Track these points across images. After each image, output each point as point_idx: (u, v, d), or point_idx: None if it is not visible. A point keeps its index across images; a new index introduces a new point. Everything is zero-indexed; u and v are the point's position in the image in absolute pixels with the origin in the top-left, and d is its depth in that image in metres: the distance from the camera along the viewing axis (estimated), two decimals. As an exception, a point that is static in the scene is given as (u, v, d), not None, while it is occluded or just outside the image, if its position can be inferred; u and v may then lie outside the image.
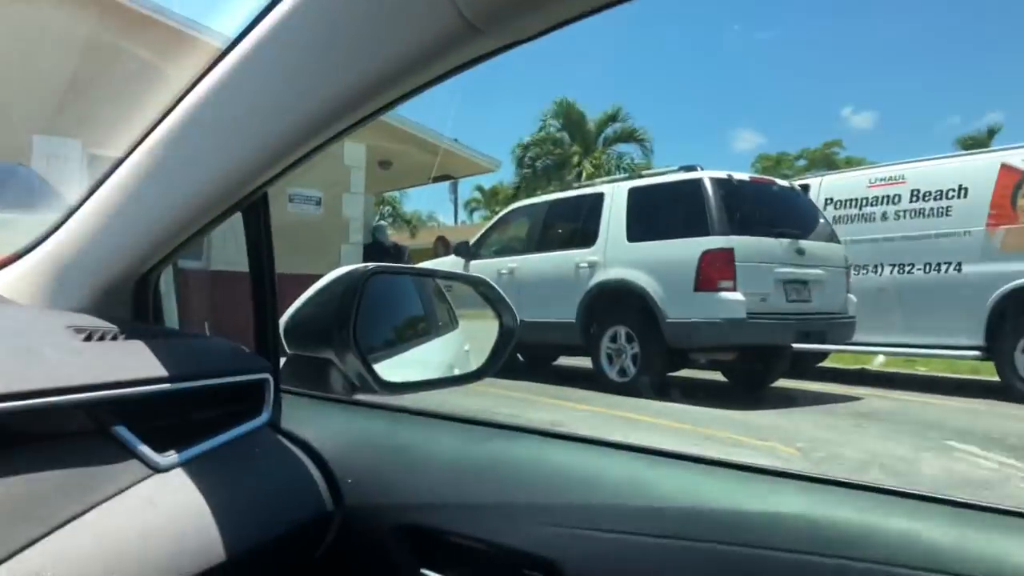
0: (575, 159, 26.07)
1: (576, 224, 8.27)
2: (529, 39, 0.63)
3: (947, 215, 8.25)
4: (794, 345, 7.44)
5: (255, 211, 0.92)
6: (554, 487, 0.81)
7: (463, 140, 13.31)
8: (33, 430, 0.66)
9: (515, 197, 24.03)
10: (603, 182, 8.91)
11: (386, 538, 0.86)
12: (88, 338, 0.77)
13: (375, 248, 11.08)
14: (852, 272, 8.05)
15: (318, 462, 0.90)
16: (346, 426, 0.96)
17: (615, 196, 7.93)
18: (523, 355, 8.85)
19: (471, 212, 38.01)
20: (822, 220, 8.11)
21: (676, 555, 0.72)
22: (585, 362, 8.04)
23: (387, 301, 1.29)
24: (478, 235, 9.46)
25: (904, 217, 8.65)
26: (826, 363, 10.12)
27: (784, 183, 8.54)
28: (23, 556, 0.58)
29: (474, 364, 1.31)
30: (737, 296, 6.76)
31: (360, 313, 1.04)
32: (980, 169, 8.15)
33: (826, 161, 31.10)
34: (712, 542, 0.71)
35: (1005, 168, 7.91)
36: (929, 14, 66.10)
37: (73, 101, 7.62)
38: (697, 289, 6.88)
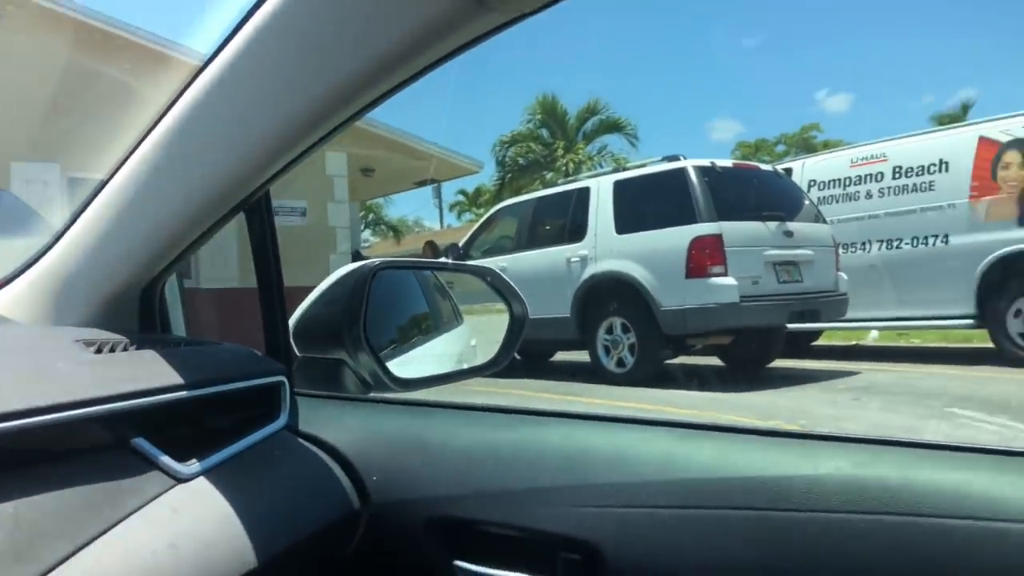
0: (559, 154, 26.01)
1: (564, 219, 8.28)
2: (534, 12, 0.63)
3: (931, 189, 8.31)
4: (788, 325, 7.50)
5: (258, 211, 0.91)
6: (584, 468, 0.81)
7: (444, 143, 13.27)
8: (52, 446, 0.65)
9: (499, 197, 23.99)
10: (588, 176, 8.94)
11: (416, 532, 0.85)
12: (99, 351, 0.76)
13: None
14: (841, 250, 8.09)
15: (341, 462, 0.89)
16: (365, 424, 0.95)
17: (601, 189, 7.95)
18: (520, 353, 8.83)
19: (458, 215, 38.02)
20: (807, 202, 8.17)
21: (713, 524, 0.72)
22: (583, 356, 8.05)
23: (392, 298, 1.28)
24: (467, 236, 9.46)
25: (888, 194, 8.70)
26: (821, 341, 10.17)
27: (767, 167, 8.61)
28: (57, 573, 0.57)
29: (482, 358, 1.31)
30: (729, 280, 6.80)
31: (369, 311, 1.03)
32: (960, 143, 8.22)
33: (805, 145, 31.25)
34: (747, 508, 0.71)
35: (984, 140, 7.98)
36: (897, -8, 66.60)
37: (51, 125, 7.56)
38: (689, 276, 6.92)
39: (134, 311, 0.91)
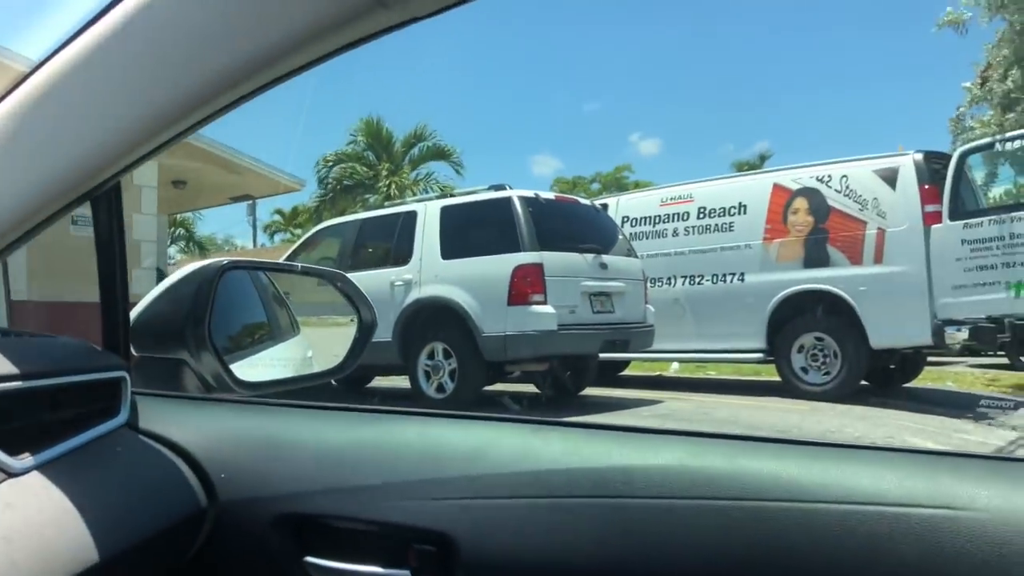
0: (383, 177, 25.84)
1: (390, 242, 8.25)
2: (428, 15, 0.63)
3: (730, 230, 9.06)
4: (600, 354, 7.85)
5: (106, 200, 0.86)
6: (439, 463, 0.82)
7: (261, 157, 12.79)
8: None
9: (319, 217, 23.45)
10: (415, 201, 8.96)
11: (266, 530, 0.83)
12: None
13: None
14: (649, 284, 8.61)
15: (186, 459, 0.86)
16: (211, 423, 0.92)
17: (428, 214, 8.00)
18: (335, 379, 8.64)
19: (271, 235, 36.72)
20: (621, 236, 8.62)
21: (563, 512, 0.76)
22: (401, 381, 8.00)
23: (233, 302, 1.24)
24: (286, 255, 9.17)
25: (693, 233, 9.39)
26: (628, 371, 10.73)
27: (586, 202, 9.01)
28: None
29: (321, 367, 1.28)
30: (548, 309, 7.02)
31: (214, 311, 0.99)
32: (756, 188, 9.05)
33: (618, 184, 32.88)
34: (595, 496, 0.76)
35: (777, 187, 8.84)
36: (701, 49, 72.31)
37: None
38: (511, 303, 7.08)
39: None
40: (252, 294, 1.33)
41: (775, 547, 0.69)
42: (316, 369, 1.28)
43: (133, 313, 0.98)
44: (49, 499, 0.68)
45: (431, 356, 7.63)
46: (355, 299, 1.25)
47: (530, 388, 8.60)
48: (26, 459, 0.69)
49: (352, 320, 1.31)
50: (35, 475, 0.69)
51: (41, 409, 0.75)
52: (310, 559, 0.82)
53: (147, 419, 0.87)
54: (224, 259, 1.05)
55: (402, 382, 7.98)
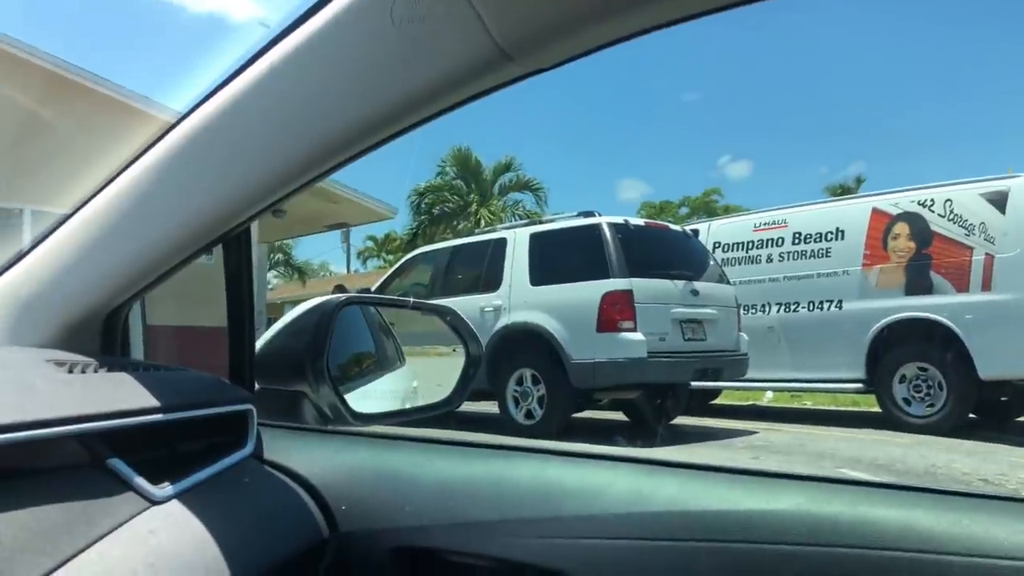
0: (474, 206, 26.25)
1: (479, 269, 8.34)
2: (553, 67, 0.66)
3: (827, 256, 8.79)
4: (692, 383, 7.71)
5: (237, 242, 0.92)
6: (553, 502, 0.82)
7: (356, 186, 13.18)
8: (30, 463, 0.64)
9: (412, 244, 23.92)
10: (504, 228, 9.05)
11: (384, 561, 0.85)
12: (70, 371, 0.76)
13: None
14: (742, 311, 8.43)
15: (309, 490, 0.89)
16: (331, 455, 0.95)
17: (517, 241, 8.06)
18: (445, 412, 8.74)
19: (364, 261, 37.68)
20: (712, 262, 8.49)
21: (678, 555, 0.75)
22: (491, 407, 8.05)
23: (346, 334, 1.28)
24: (380, 281, 9.39)
25: (787, 259, 9.15)
26: (719, 400, 10.49)
27: (677, 227, 8.91)
28: None
29: (427, 399, 1.31)
30: (638, 336, 6.96)
31: (331, 345, 1.04)
32: (854, 213, 8.77)
33: (706, 208, 32.47)
34: (711, 541, 0.75)
35: (876, 212, 8.54)
36: (795, 70, 70.79)
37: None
38: (599, 330, 7.05)
39: (96, 335, 0.90)
40: (362, 325, 1.38)
41: None
42: (421, 400, 1.31)
43: (258, 345, 1.03)
44: (188, 527, 0.72)
45: (520, 382, 7.66)
46: (463, 334, 1.28)
47: (619, 416, 8.53)
48: (166, 488, 0.73)
49: (455, 350, 1.33)
50: (174, 503, 0.73)
51: (176, 439, 0.80)
52: None
53: (270, 450, 0.91)
54: (342, 296, 1.10)
55: (491, 407, 8.01)
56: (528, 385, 7.60)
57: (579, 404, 7.61)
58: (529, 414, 7.55)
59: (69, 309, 0.87)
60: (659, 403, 7.97)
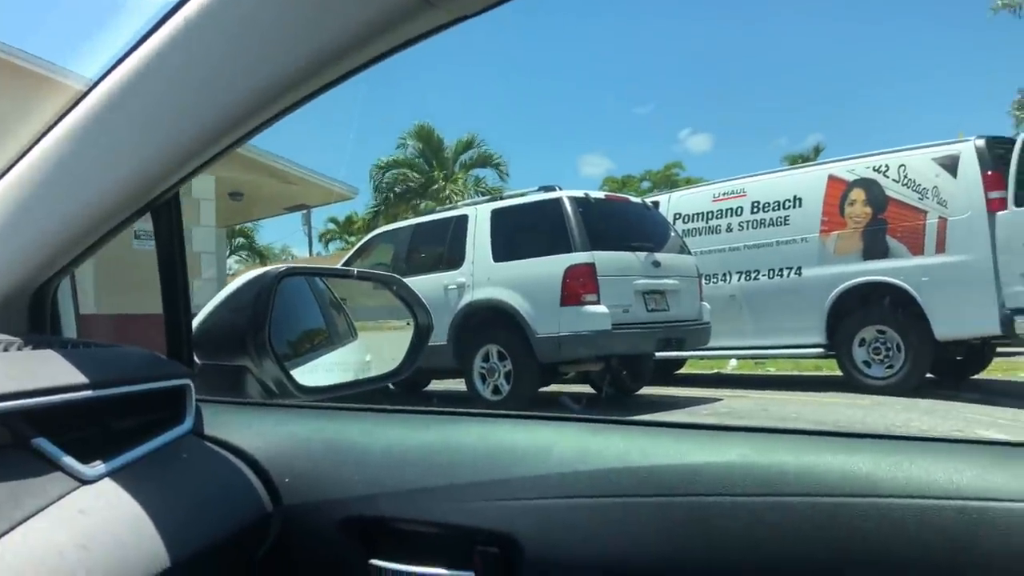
0: (439, 183, 26.09)
1: (442, 247, 8.31)
2: (476, 13, 0.64)
3: (786, 224, 8.90)
4: (656, 353, 7.79)
5: (166, 210, 0.89)
6: (500, 464, 0.82)
7: (315, 167, 13.02)
8: None
9: (374, 224, 23.75)
10: (465, 204, 9.02)
11: (331, 533, 0.84)
12: None
13: None
14: (704, 281, 8.51)
15: (251, 464, 0.87)
16: (273, 428, 0.93)
17: (479, 218, 8.04)
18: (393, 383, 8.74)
19: (326, 243, 37.30)
20: (673, 233, 8.55)
21: (627, 511, 0.75)
22: (458, 384, 8.06)
23: (291, 308, 1.26)
24: (342, 262, 9.32)
25: (747, 228, 9.25)
26: (684, 369, 10.62)
27: (637, 200, 8.96)
28: None
29: (364, 374, 1.30)
30: (601, 308, 6.99)
31: (273, 317, 1.02)
32: (811, 181, 8.87)
33: (668, 182, 32.55)
34: (659, 496, 0.75)
35: (832, 179, 8.66)
36: (749, 42, 71.21)
37: None
38: (563, 304, 7.07)
39: (23, 314, 0.87)
40: (310, 300, 1.36)
41: (849, 543, 0.67)
42: (370, 373, 1.30)
43: (195, 322, 1.01)
44: (121, 505, 0.70)
45: (486, 359, 7.67)
46: (411, 303, 1.26)
47: (586, 388, 8.58)
48: (98, 466, 0.71)
49: (408, 323, 1.32)
50: (107, 482, 0.71)
51: (109, 417, 0.77)
52: (376, 562, 0.83)
53: (211, 425, 0.89)
54: (282, 266, 1.08)
55: (458, 385, 8.03)
56: (494, 361, 7.62)
57: (545, 378, 7.65)
58: (496, 390, 7.57)
59: None
60: (624, 374, 8.04)
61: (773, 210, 9.03)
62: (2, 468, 0.64)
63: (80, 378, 0.73)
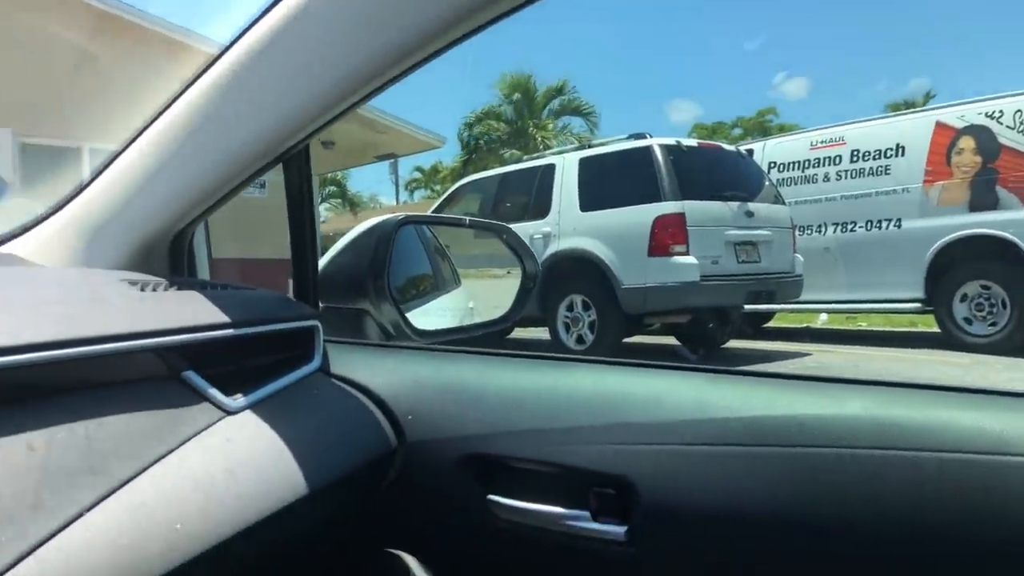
0: (531, 130, 25.95)
1: (528, 196, 8.30)
2: None
3: (886, 174, 8.52)
4: (745, 305, 7.65)
5: (296, 161, 0.94)
6: (616, 409, 0.83)
7: (404, 117, 13.13)
8: (113, 374, 0.67)
9: (463, 173, 23.89)
10: (552, 153, 8.97)
11: (450, 469, 0.88)
12: (142, 289, 0.79)
13: None
14: (797, 232, 8.27)
15: (376, 401, 0.92)
16: (396, 368, 0.98)
17: (566, 167, 7.98)
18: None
19: (411, 192, 37.78)
20: (767, 183, 8.30)
21: (743, 460, 0.76)
22: (542, 332, 8.12)
23: (404, 254, 1.31)
24: (429, 211, 9.43)
25: (845, 177, 8.90)
26: (772, 323, 10.41)
27: (730, 147, 8.71)
28: (129, 488, 0.60)
29: (475, 319, 1.33)
30: (690, 260, 6.89)
31: (392, 263, 1.06)
32: (916, 128, 8.43)
33: (761, 129, 31.56)
34: (776, 445, 0.75)
35: (940, 126, 8.20)
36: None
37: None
38: (651, 255, 6.99)
39: (164, 257, 0.93)
40: (419, 247, 1.40)
41: (980, 502, 0.67)
42: (477, 319, 1.34)
43: (320, 265, 1.06)
44: (261, 436, 0.75)
45: (570, 308, 7.69)
46: (519, 251, 1.29)
47: (671, 340, 8.53)
48: (239, 399, 0.76)
49: (509, 272, 1.35)
50: (247, 414, 0.76)
51: (246, 355, 0.83)
52: (493, 497, 0.87)
53: (336, 364, 0.94)
54: (399, 214, 1.12)
55: (542, 333, 8.09)
56: (579, 311, 7.63)
57: (630, 329, 7.60)
58: (580, 339, 7.59)
59: (136, 233, 0.91)
60: (711, 326, 7.94)
61: (873, 159, 8.65)
62: (158, 398, 0.69)
63: (223, 317, 0.78)
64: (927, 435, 0.71)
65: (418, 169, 36.00)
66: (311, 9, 0.75)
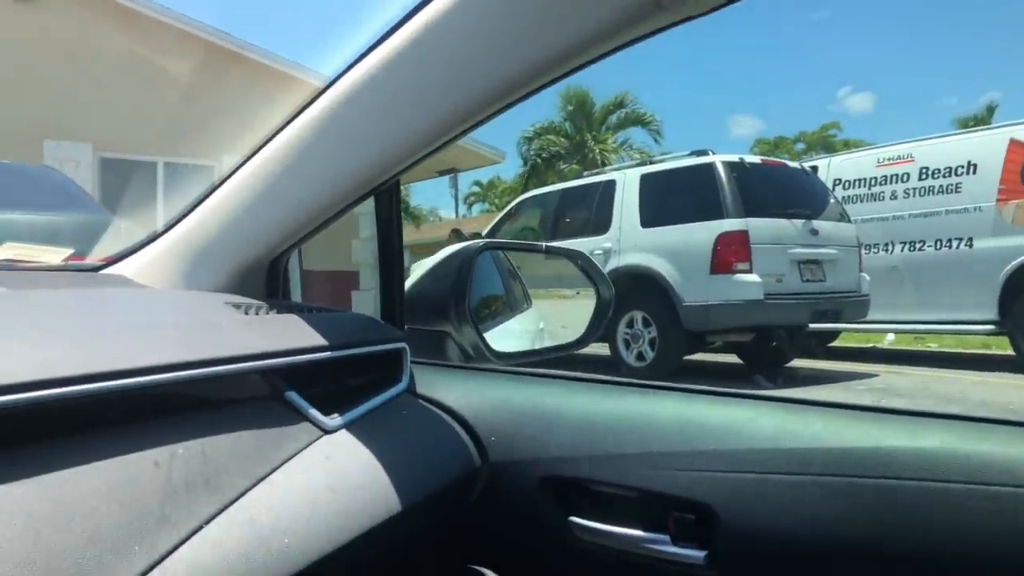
0: (589, 144, 25.90)
1: (589, 212, 8.31)
2: (703, 14, 0.67)
3: (957, 192, 8.29)
4: (810, 324, 7.51)
5: (387, 194, 0.98)
6: (695, 437, 0.85)
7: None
8: (221, 394, 0.71)
9: (523, 188, 23.96)
10: (613, 169, 8.96)
11: (532, 490, 0.91)
12: (246, 313, 0.83)
13: None
14: (864, 251, 8.09)
15: (460, 422, 0.95)
16: (478, 389, 1.00)
17: (627, 183, 7.98)
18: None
19: (470, 206, 38.09)
20: (832, 200, 8.14)
21: (822, 490, 0.77)
22: (601, 348, 8.09)
23: (481, 277, 1.35)
24: (491, 226, 9.50)
25: (913, 195, 8.69)
26: (836, 342, 10.18)
27: (794, 164, 8.58)
28: (240, 503, 0.63)
29: (556, 340, 1.36)
30: (753, 278, 6.81)
31: (472, 287, 1.10)
32: (989, 145, 8.18)
33: (824, 144, 30.99)
34: (855, 476, 0.76)
35: (1015, 143, 7.94)
36: (924, -8, 65.87)
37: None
38: (713, 272, 6.93)
39: (261, 281, 0.98)
40: (493, 269, 1.44)
41: None
42: (549, 340, 1.37)
43: (405, 288, 1.10)
44: (357, 454, 0.79)
45: (630, 324, 7.64)
46: (594, 277, 1.32)
47: (733, 359, 8.41)
48: (336, 419, 0.80)
49: (579, 293, 1.38)
50: (343, 433, 0.80)
51: (340, 375, 0.87)
52: (575, 519, 0.88)
53: (421, 385, 0.98)
54: (480, 241, 1.16)
55: (602, 350, 8.06)
56: (639, 327, 7.58)
57: (692, 346, 7.54)
58: (640, 356, 7.54)
59: (238, 257, 0.95)
60: (775, 345, 7.81)
61: (944, 176, 8.43)
62: (264, 417, 0.73)
63: (320, 340, 0.82)
64: (1009, 471, 0.71)
65: (477, 183, 36.37)
66: (413, 49, 0.78)
